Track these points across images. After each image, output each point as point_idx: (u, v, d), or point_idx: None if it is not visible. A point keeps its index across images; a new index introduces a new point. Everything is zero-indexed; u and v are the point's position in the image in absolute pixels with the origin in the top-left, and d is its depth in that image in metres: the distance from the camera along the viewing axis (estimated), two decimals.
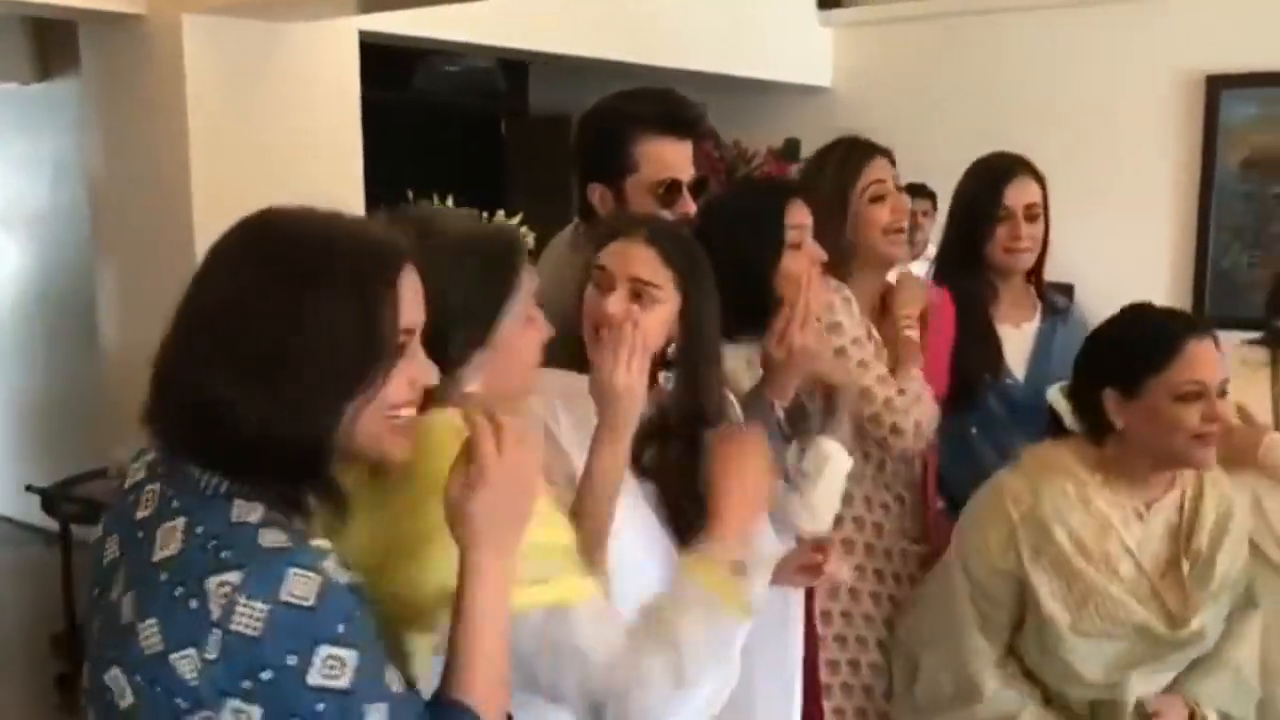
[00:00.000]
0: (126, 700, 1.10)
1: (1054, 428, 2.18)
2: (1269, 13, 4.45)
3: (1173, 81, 4.66)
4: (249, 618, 1.04)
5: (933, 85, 4.89)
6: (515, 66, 5.99)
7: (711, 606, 1.38)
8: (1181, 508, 2.12)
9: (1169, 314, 2.16)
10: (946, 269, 2.70)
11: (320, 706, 1.05)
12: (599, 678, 1.31)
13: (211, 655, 1.05)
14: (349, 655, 1.07)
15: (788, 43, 5.10)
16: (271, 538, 1.09)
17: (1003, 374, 2.61)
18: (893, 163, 2.49)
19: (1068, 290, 3.33)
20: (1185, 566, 2.08)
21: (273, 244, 1.17)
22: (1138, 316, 2.14)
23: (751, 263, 2.05)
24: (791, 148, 5.15)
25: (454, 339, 1.35)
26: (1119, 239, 4.61)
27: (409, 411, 1.21)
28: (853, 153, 2.46)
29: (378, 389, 1.15)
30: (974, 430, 2.58)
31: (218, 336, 1.13)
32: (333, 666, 1.06)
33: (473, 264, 1.39)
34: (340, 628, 1.07)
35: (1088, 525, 2.06)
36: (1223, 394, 2.01)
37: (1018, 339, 2.66)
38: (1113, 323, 2.16)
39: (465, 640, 1.19)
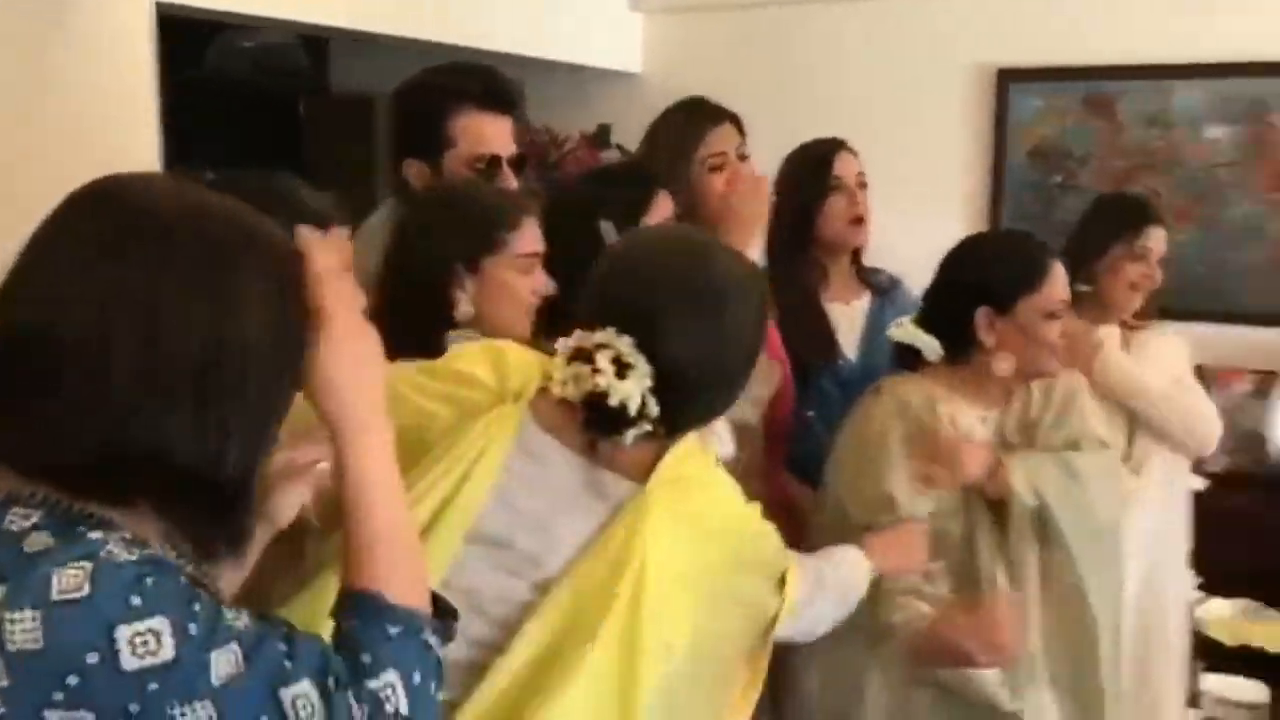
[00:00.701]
0: None
1: (903, 362, 2.28)
2: (1055, 7, 4.67)
3: (966, 76, 4.84)
4: (23, 632, 0.94)
5: (740, 74, 4.94)
6: (315, 44, 5.81)
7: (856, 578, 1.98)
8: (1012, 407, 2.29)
9: (1029, 237, 2.33)
10: (774, 254, 2.73)
11: (154, 687, 0.95)
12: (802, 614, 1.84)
13: (4, 681, 0.94)
14: (158, 623, 0.96)
15: (598, 27, 5.08)
16: (39, 540, 0.98)
17: (836, 356, 2.66)
18: (740, 128, 2.49)
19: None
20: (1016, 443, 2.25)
21: (162, 221, 1.05)
22: (1003, 240, 2.29)
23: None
24: (603, 133, 5.15)
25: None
26: (916, 228, 4.71)
27: None
28: (693, 117, 2.45)
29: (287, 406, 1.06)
30: (810, 414, 2.63)
31: (124, 334, 1.01)
32: (145, 642, 0.95)
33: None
34: (134, 600, 0.96)
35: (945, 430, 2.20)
36: None
37: (849, 316, 2.71)
38: (975, 247, 2.29)
39: (354, 523, 1.10)
